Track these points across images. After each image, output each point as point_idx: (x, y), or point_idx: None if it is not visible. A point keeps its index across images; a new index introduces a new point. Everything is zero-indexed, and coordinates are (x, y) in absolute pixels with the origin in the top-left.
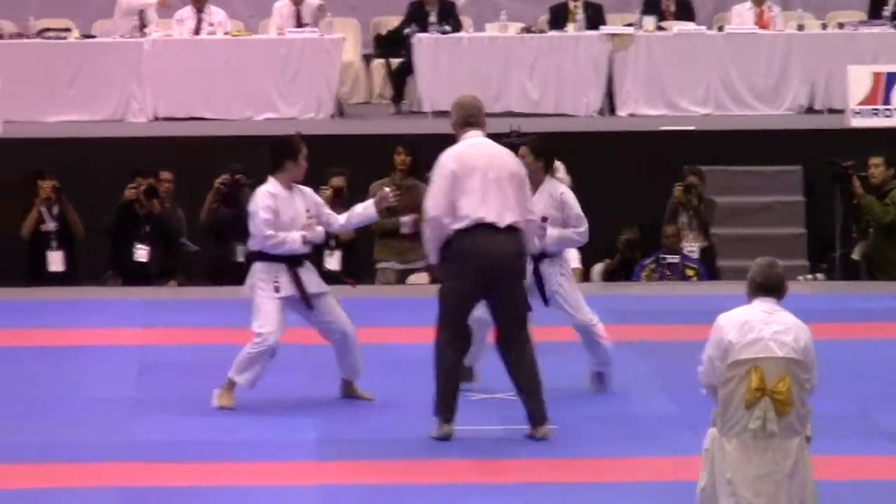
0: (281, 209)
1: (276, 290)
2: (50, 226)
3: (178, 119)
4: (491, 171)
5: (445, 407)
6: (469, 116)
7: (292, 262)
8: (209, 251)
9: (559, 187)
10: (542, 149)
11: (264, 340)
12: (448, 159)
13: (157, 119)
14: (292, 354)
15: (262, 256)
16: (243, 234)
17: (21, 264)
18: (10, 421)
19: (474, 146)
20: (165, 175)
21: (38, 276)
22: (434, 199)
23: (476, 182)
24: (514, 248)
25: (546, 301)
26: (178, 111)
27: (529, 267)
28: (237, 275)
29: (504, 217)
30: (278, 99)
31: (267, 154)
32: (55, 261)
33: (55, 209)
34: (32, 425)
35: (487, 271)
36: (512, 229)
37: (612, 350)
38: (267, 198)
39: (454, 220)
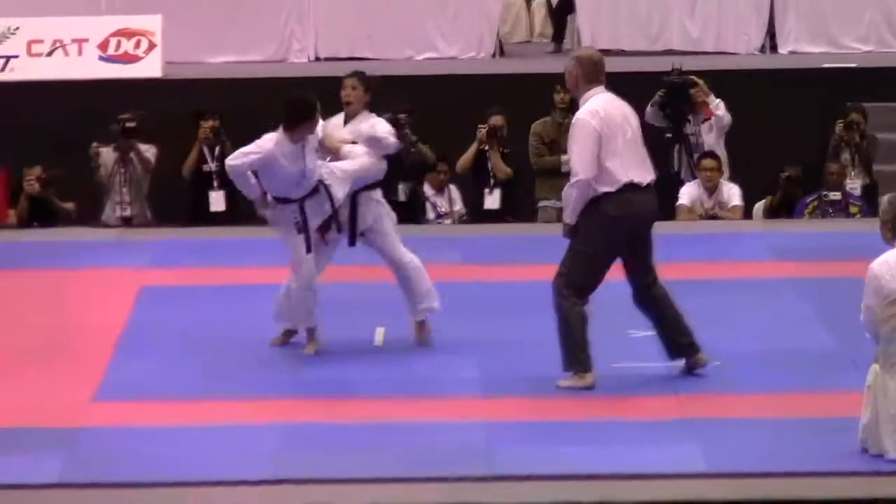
0: (287, 164)
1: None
2: (211, 166)
3: (340, 59)
4: (629, 129)
5: (585, 357)
6: (594, 72)
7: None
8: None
9: (374, 120)
10: (370, 82)
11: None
12: (591, 119)
13: (318, 59)
14: (450, 292)
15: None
16: (404, 173)
17: (183, 204)
18: (177, 358)
19: (609, 103)
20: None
21: (201, 215)
22: (582, 161)
23: (619, 142)
24: (655, 206)
25: (353, 241)
26: (339, 51)
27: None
28: (399, 213)
29: (646, 176)
30: (439, 38)
31: (289, 110)
32: (217, 201)
33: (216, 150)
34: (199, 362)
35: (634, 234)
36: (650, 187)
37: (430, 289)
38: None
39: (601, 183)
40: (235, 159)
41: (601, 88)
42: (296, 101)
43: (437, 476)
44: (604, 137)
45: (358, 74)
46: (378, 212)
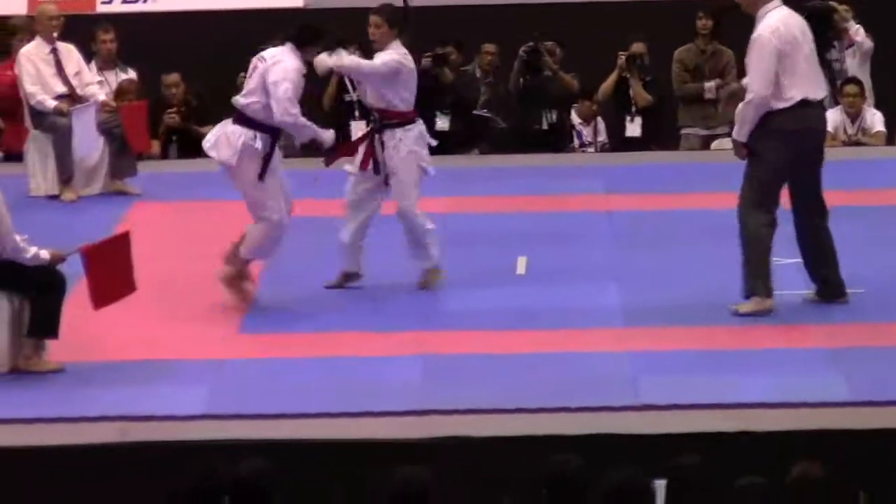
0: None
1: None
2: (352, 96)
3: None
4: (806, 45)
5: (767, 281)
6: None
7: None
8: (519, 120)
9: (396, 53)
10: (395, 18)
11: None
12: (771, 35)
13: None
14: (592, 222)
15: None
16: (547, 101)
17: None
18: (318, 290)
19: (788, 18)
20: (488, 47)
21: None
22: (762, 79)
23: (798, 59)
24: (825, 122)
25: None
26: None
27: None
28: (541, 143)
29: (819, 92)
30: None
31: (304, 30)
32: (358, 130)
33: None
34: (340, 294)
35: (809, 149)
36: (821, 102)
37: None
38: (297, 74)
39: (777, 99)
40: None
41: (779, 2)
42: (312, 25)
43: (581, 406)
44: (783, 54)
45: (382, 10)
46: (404, 156)
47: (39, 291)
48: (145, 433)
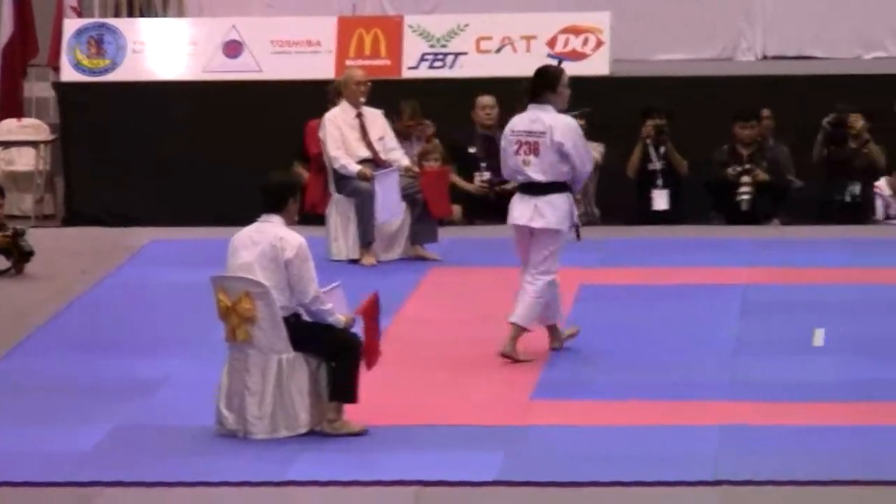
0: None
1: None
2: (656, 164)
3: (786, 58)
4: None
5: None
6: None
7: None
8: (818, 191)
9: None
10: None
11: None
12: None
13: (765, 58)
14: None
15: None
16: (851, 174)
17: (628, 203)
18: (618, 358)
19: None
20: (765, 112)
21: (644, 214)
22: None
23: None
24: None
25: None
26: (786, 50)
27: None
28: (844, 215)
29: None
30: (888, 37)
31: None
32: (660, 199)
33: (661, 148)
34: (638, 363)
35: None
36: None
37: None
38: None
39: None
40: None
41: None
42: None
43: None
44: None
45: None
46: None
47: (337, 356)
48: (438, 499)
